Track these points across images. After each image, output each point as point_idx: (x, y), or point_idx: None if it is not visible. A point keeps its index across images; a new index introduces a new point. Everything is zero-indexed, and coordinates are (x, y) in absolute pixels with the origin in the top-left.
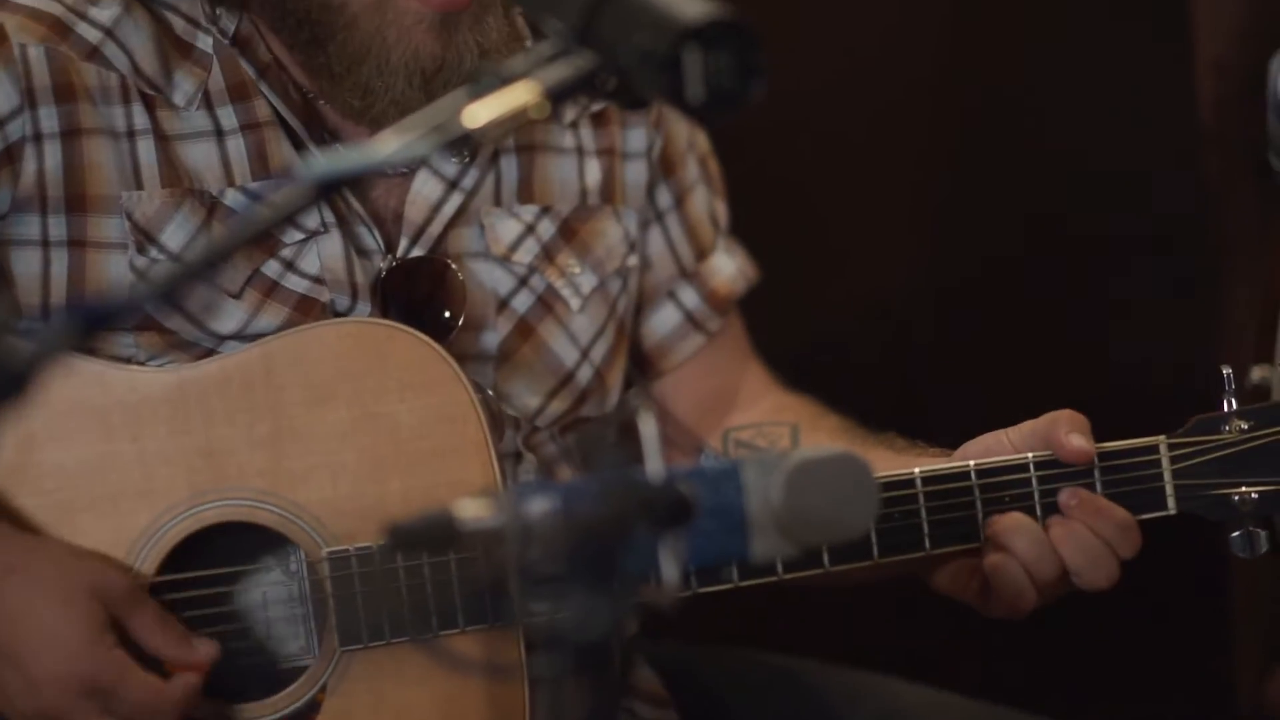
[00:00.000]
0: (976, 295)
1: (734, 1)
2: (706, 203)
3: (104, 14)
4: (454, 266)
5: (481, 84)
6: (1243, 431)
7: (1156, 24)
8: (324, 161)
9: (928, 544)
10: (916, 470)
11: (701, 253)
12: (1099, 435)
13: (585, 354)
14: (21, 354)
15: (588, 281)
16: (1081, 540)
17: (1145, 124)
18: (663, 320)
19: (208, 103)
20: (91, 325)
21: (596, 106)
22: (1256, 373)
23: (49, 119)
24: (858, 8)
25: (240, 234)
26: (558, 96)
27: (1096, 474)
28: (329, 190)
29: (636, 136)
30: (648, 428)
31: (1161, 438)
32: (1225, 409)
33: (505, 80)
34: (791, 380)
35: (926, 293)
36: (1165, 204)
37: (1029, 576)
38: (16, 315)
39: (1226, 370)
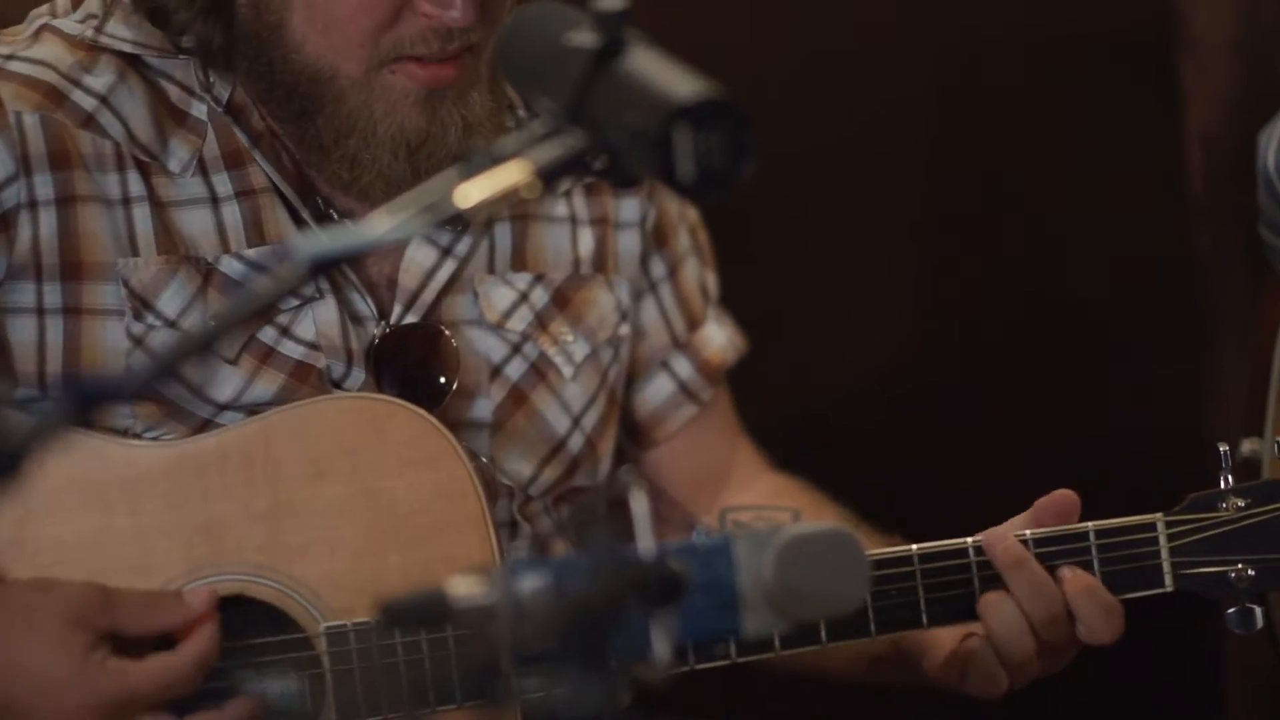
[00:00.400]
0: (969, 369)
1: (724, 67)
2: (698, 273)
3: (99, 81)
4: (447, 333)
5: (473, 163)
6: (1239, 509)
7: (1147, 97)
8: (318, 239)
9: (925, 620)
10: (914, 547)
11: (693, 323)
12: (1096, 510)
13: (577, 422)
14: (17, 432)
15: (580, 350)
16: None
17: (1136, 197)
18: (656, 390)
19: (203, 169)
20: (91, 402)
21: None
22: (1247, 445)
23: (44, 186)
24: (849, 78)
25: (238, 309)
26: (549, 176)
27: (1094, 551)
28: (323, 269)
29: (629, 207)
30: (639, 504)
31: (1159, 515)
32: (1222, 486)
33: (497, 159)
34: (782, 454)
35: (920, 366)
36: (1156, 276)
37: (998, 655)
38: (11, 390)
39: (1223, 447)
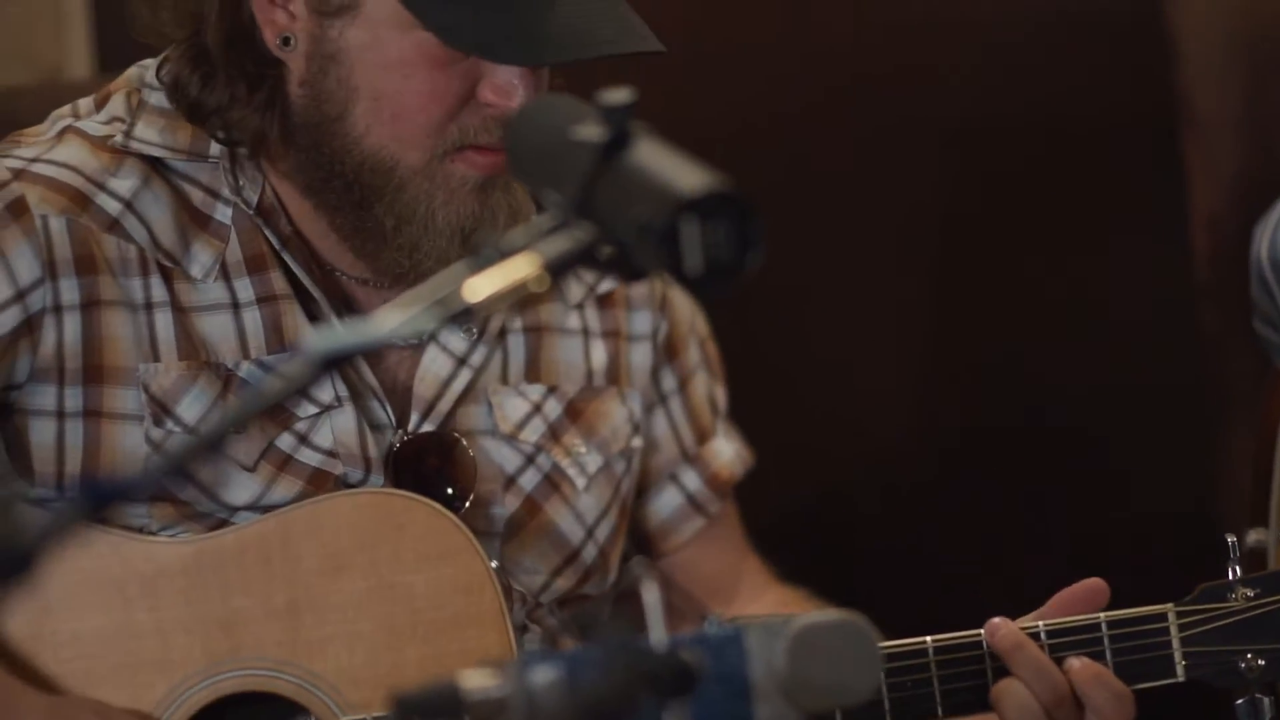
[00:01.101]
0: (973, 455)
1: (728, 145)
2: (707, 387)
3: (124, 185)
4: (464, 442)
5: (481, 257)
6: (1249, 599)
7: (1151, 177)
8: (328, 336)
9: (940, 710)
10: (929, 639)
11: (702, 436)
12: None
13: (590, 533)
14: (33, 529)
15: (593, 461)
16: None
17: (1141, 279)
18: (665, 502)
19: (225, 274)
20: (106, 502)
21: (603, 288)
22: (1252, 535)
23: (70, 291)
24: (856, 158)
25: (249, 407)
26: (557, 269)
27: (1106, 642)
28: (334, 365)
29: (642, 320)
30: (650, 595)
31: (1170, 606)
32: (1231, 576)
33: (505, 254)
34: (783, 540)
35: (924, 452)
36: (1162, 359)
37: None
38: (27, 488)
39: (1231, 538)
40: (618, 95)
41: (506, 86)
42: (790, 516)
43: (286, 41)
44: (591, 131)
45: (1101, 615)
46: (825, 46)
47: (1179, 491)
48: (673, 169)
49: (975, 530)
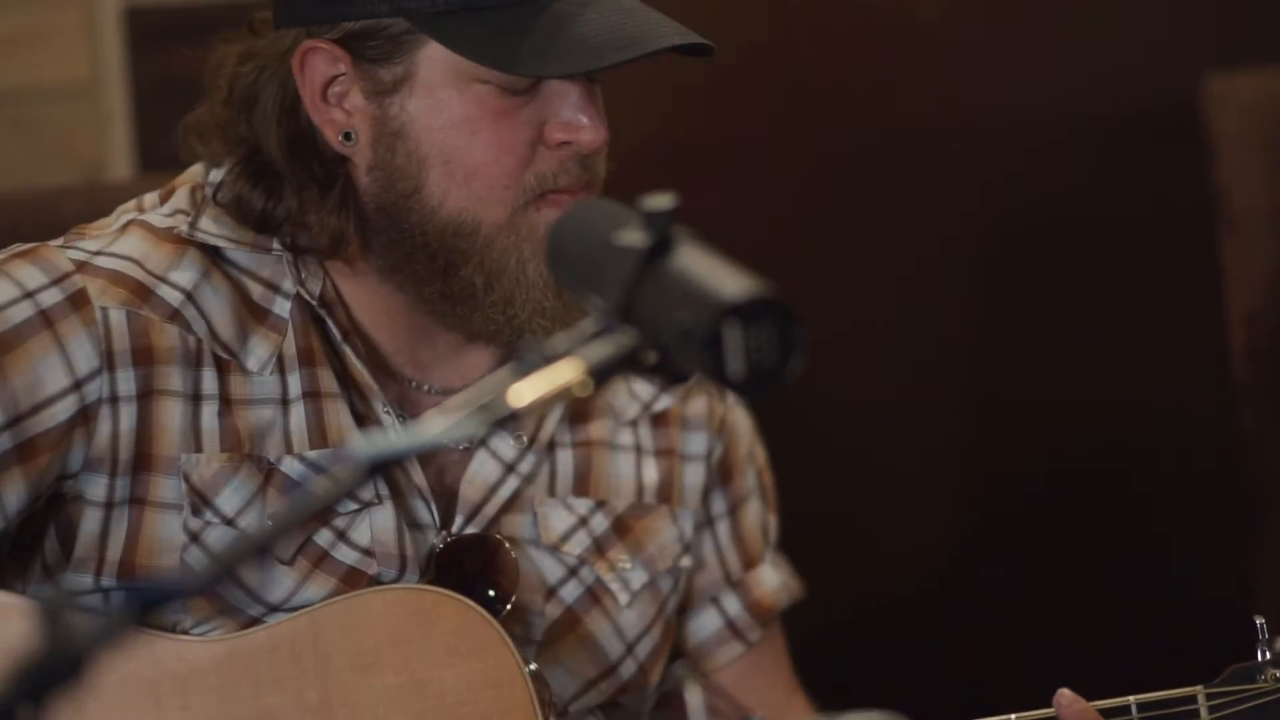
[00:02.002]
0: (1013, 547)
1: (765, 246)
2: (760, 515)
3: (184, 277)
4: (507, 545)
5: (526, 362)
6: (1277, 679)
7: (1188, 277)
8: (377, 440)
9: None
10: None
11: (749, 562)
12: (1139, 682)
13: (630, 649)
14: (80, 634)
15: (638, 578)
16: None
17: (1179, 377)
18: (703, 624)
19: (280, 368)
20: (153, 606)
21: (658, 407)
22: None
23: (126, 382)
24: (896, 260)
25: (297, 511)
26: (601, 374)
27: None
28: (381, 468)
29: (697, 440)
30: (694, 698)
31: (1199, 688)
32: (1260, 658)
33: (549, 359)
34: (829, 635)
35: (968, 546)
36: (1199, 455)
37: None
38: (73, 595)
39: (1260, 620)
40: (660, 200)
41: (573, 121)
42: (824, 617)
43: (348, 137)
44: (634, 237)
45: (1131, 698)
46: (863, 141)
47: (1214, 577)
48: (716, 274)
49: (1011, 623)
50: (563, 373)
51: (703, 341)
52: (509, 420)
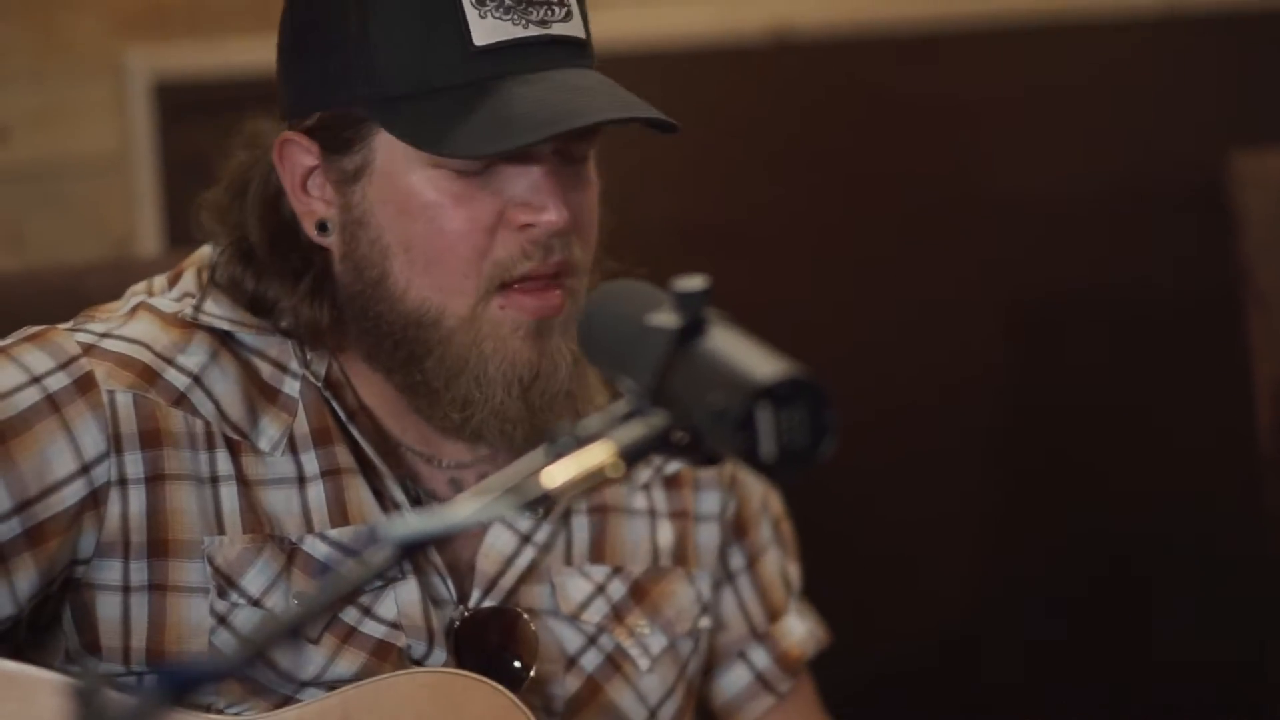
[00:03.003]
0: (1038, 628)
1: (794, 323)
2: (779, 565)
3: (191, 360)
4: (526, 617)
5: (558, 444)
6: None
7: (1214, 352)
8: (405, 523)
9: None
10: None
11: (774, 614)
12: None
13: (653, 715)
14: (114, 719)
15: (657, 642)
16: None
17: (1205, 453)
18: (733, 680)
19: (292, 448)
20: (186, 690)
21: (670, 469)
22: None
23: (134, 464)
24: (922, 332)
25: (328, 593)
26: (632, 456)
27: None
28: (411, 551)
29: (710, 499)
30: None
31: None
32: None
33: (581, 441)
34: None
35: (994, 629)
36: (1225, 533)
37: None
38: (103, 673)
39: None
40: (692, 282)
41: (530, 201)
42: (840, 678)
43: (323, 227)
44: (666, 318)
45: None
46: (890, 217)
47: (1237, 656)
48: (747, 356)
49: (1034, 700)
50: (594, 455)
51: (735, 423)
52: (540, 502)
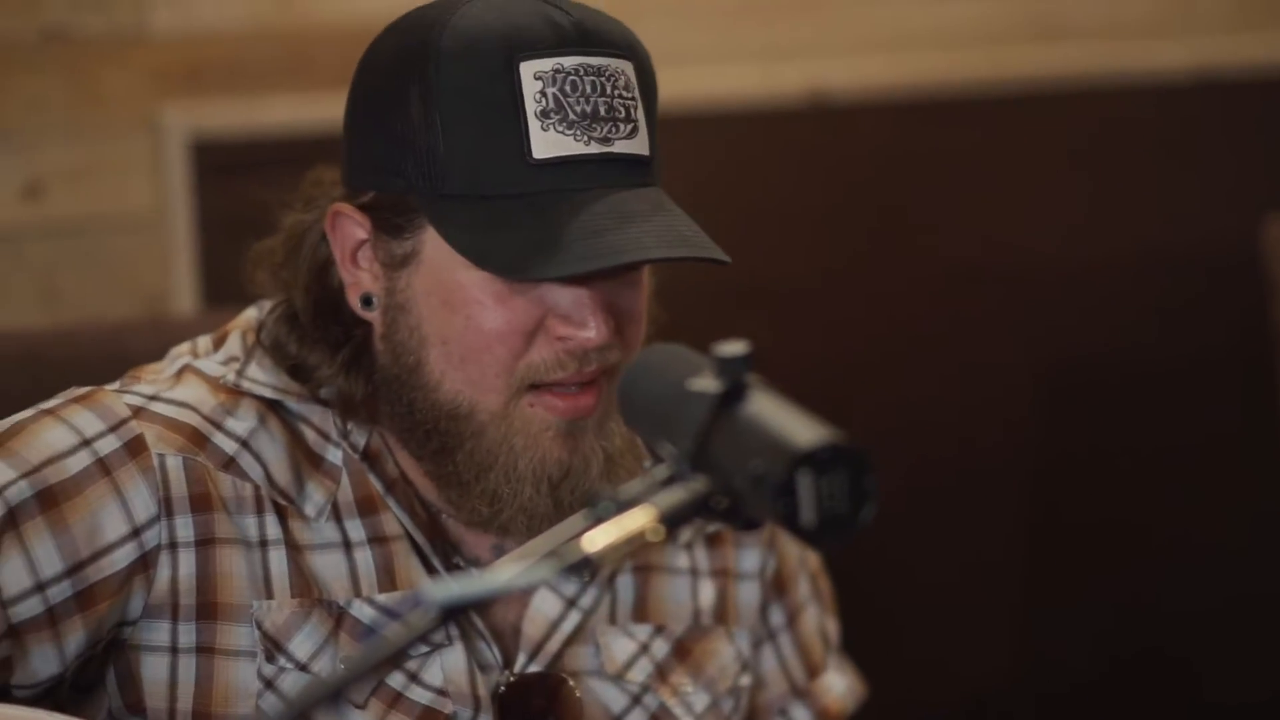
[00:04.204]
0: (1078, 682)
1: (824, 394)
2: (818, 621)
3: (240, 425)
4: (570, 683)
5: (599, 509)
6: None
7: (1248, 416)
8: (449, 587)
9: None
10: None
11: (813, 671)
12: None
13: None
14: None
15: (700, 700)
16: None
17: (1239, 517)
18: None
19: (336, 515)
20: None
21: (712, 528)
22: None
23: (185, 528)
24: (952, 397)
25: (371, 656)
26: (673, 521)
27: None
28: (455, 615)
29: (750, 557)
30: None
31: None
32: None
33: (622, 506)
34: None
35: (1033, 683)
36: (1259, 587)
37: None
38: None
39: None
40: (734, 347)
41: (575, 316)
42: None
43: (368, 301)
44: (707, 383)
45: None
46: (919, 281)
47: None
48: (788, 421)
49: None
50: (635, 519)
51: (775, 489)
52: (581, 566)
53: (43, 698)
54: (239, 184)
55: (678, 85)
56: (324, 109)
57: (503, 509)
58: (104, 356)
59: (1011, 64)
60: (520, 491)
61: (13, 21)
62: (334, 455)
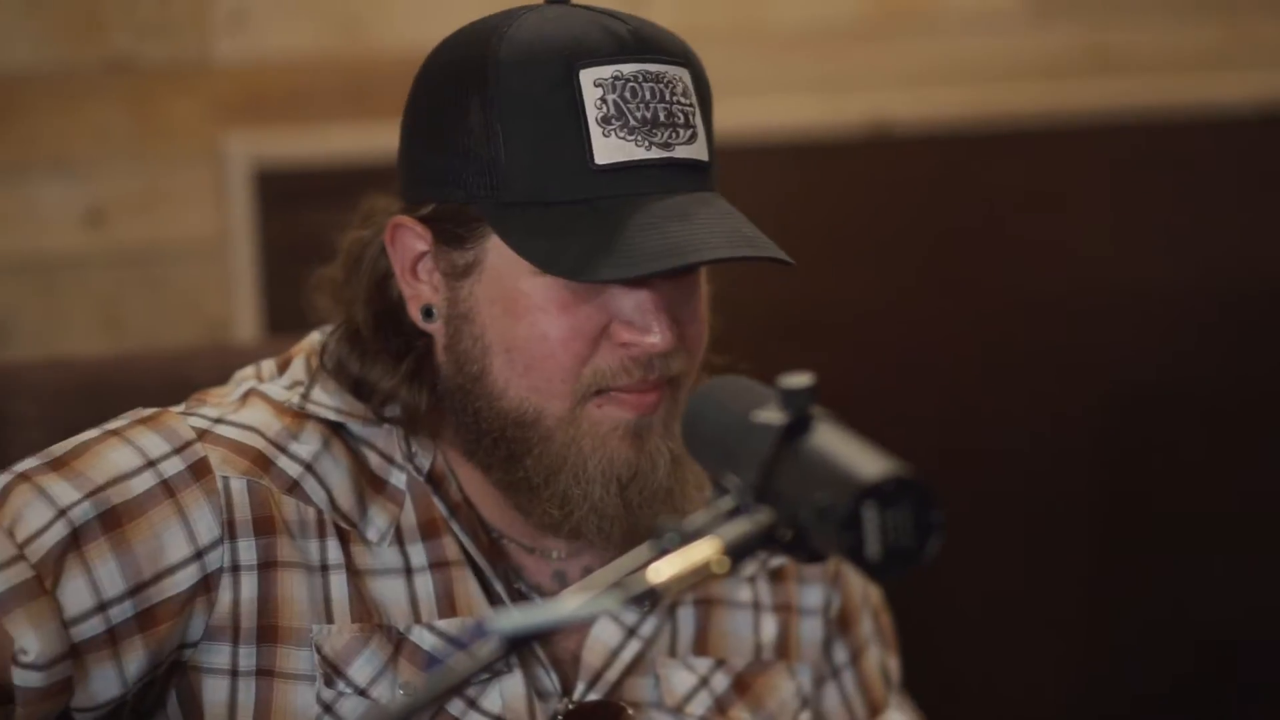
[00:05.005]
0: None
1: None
2: (880, 659)
3: (304, 449)
4: (630, 711)
5: (664, 540)
6: None
7: None
8: (512, 617)
9: None
10: None
11: (875, 709)
12: None
13: None
14: None
15: None
16: None
17: None
18: None
19: (399, 539)
20: None
21: (775, 563)
22: None
23: (247, 551)
24: (1016, 441)
25: (436, 686)
26: (738, 553)
27: None
28: (518, 646)
29: (813, 593)
30: None
31: None
32: None
33: (687, 537)
34: None
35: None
36: None
37: None
38: None
39: None
40: (799, 379)
41: (639, 322)
42: None
43: (429, 313)
44: (772, 415)
45: None
46: (973, 313)
47: None
48: (853, 454)
49: None
50: (700, 551)
51: (840, 522)
52: (646, 597)
53: None
54: (301, 212)
55: (738, 116)
56: (385, 139)
57: (573, 511)
58: (166, 383)
59: (1071, 96)
60: (590, 493)
61: (77, 51)
62: (397, 479)
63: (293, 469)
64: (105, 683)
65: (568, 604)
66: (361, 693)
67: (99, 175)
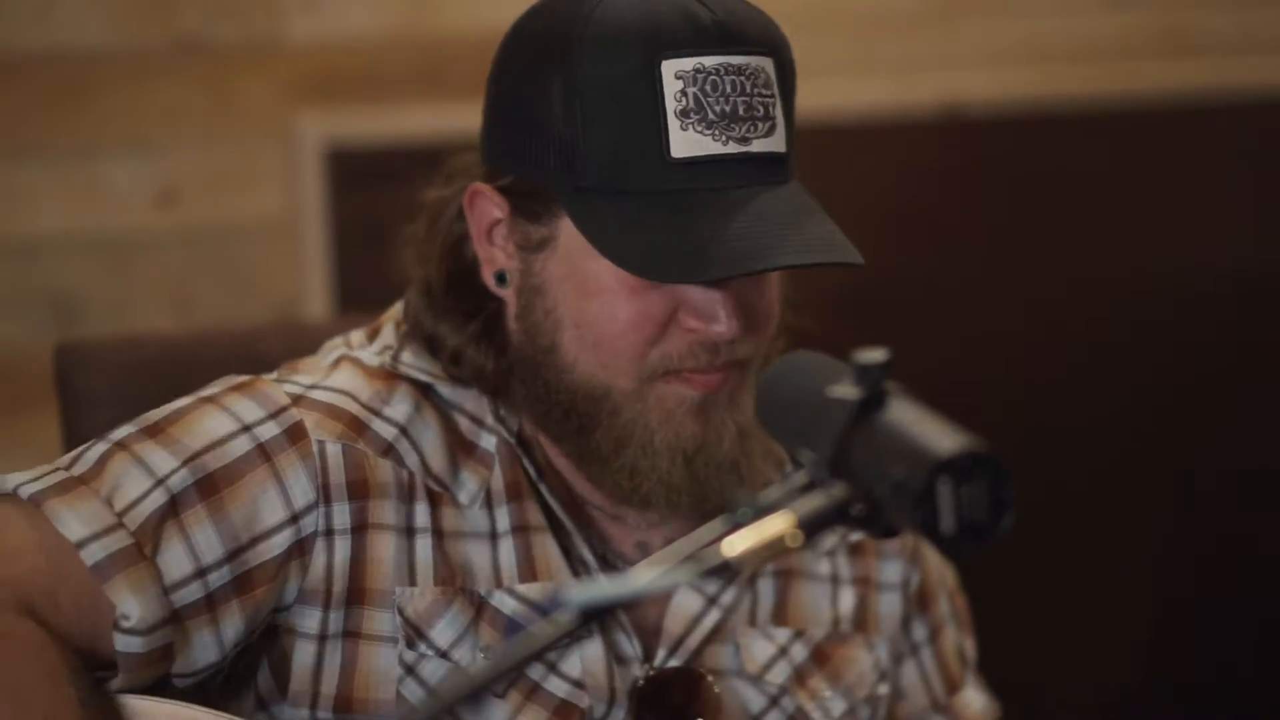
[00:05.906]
0: (1206, 708)
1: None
2: (956, 639)
3: (397, 412)
4: (709, 679)
5: (739, 514)
6: None
7: None
8: (590, 588)
9: None
10: None
11: (952, 687)
12: None
13: None
14: None
15: (837, 706)
16: None
17: None
18: None
19: (488, 502)
20: None
21: (854, 538)
22: None
23: (342, 515)
24: (1082, 426)
25: (516, 652)
26: (812, 527)
27: None
28: (596, 616)
29: (892, 569)
30: None
31: None
32: None
33: (761, 511)
34: None
35: (1162, 709)
36: None
37: None
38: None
39: None
40: (874, 355)
41: (707, 311)
42: None
43: (502, 279)
44: (847, 390)
45: None
46: (1046, 296)
47: None
48: (928, 429)
49: None
50: (774, 525)
51: (915, 497)
52: (720, 570)
53: (196, 689)
54: (371, 192)
55: (812, 98)
56: (457, 118)
57: (642, 482)
58: (236, 360)
59: (1145, 78)
60: (657, 465)
61: (149, 31)
62: (487, 442)
63: (388, 432)
64: (204, 648)
65: (645, 575)
66: (443, 655)
67: (171, 155)
